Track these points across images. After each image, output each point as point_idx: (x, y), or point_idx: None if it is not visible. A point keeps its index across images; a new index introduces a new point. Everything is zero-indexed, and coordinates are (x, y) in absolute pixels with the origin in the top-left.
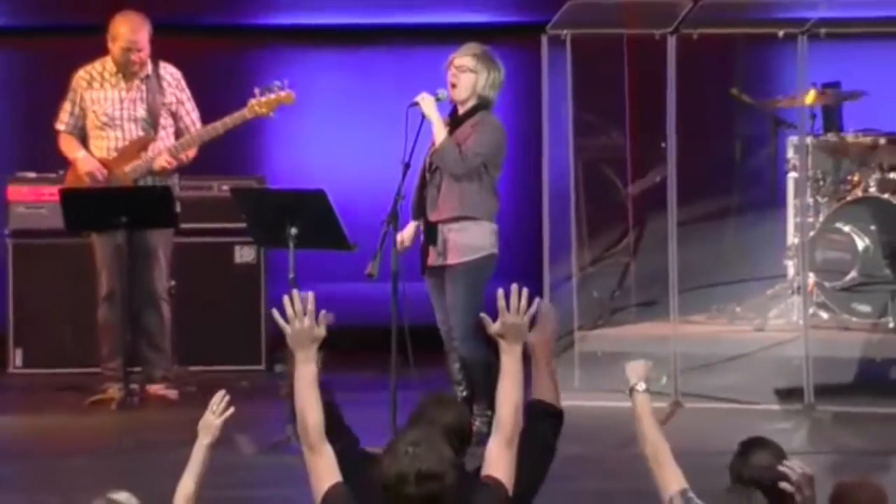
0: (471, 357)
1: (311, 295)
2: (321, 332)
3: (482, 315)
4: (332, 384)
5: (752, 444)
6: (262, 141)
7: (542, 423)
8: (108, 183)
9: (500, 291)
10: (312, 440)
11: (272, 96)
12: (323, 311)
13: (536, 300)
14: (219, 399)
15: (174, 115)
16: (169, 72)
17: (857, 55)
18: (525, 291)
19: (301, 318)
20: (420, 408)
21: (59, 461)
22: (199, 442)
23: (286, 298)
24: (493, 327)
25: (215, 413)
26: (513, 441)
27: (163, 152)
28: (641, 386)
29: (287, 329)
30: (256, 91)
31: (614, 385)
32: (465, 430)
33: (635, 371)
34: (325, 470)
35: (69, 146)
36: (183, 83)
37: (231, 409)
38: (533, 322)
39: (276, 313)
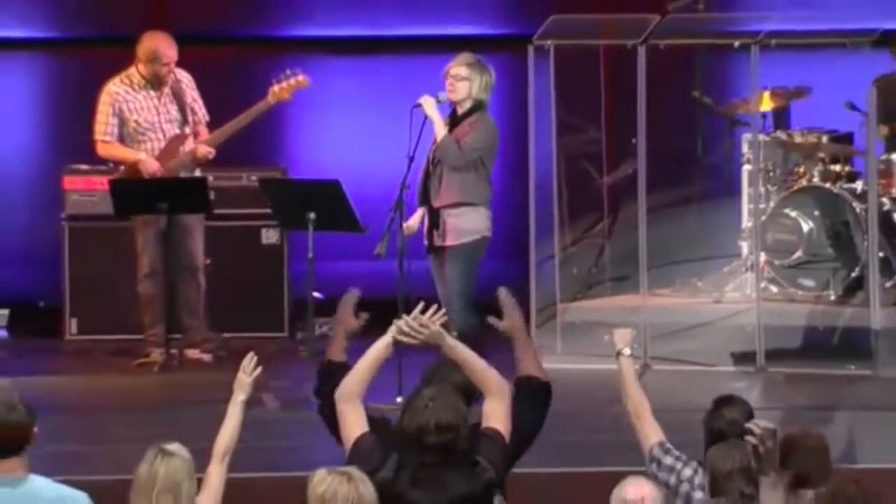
0: (465, 326)
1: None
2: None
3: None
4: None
5: (724, 402)
6: (284, 137)
7: (531, 394)
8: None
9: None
10: (350, 393)
11: (291, 81)
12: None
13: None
14: (248, 360)
15: (192, 112)
16: (184, 76)
17: (802, 63)
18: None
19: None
20: (433, 368)
21: (107, 416)
22: (234, 398)
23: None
24: (418, 342)
25: (246, 372)
26: (502, 396)
27: (202, 144)
28: (627, 351)
29: (405, 324)
30: (273, 81)
31: (592, 350)
32: (470, 387)
33: (622, 337)
34: (356, 421)
35: (124, 151)
36: (194, 84)
37: (259, 369)
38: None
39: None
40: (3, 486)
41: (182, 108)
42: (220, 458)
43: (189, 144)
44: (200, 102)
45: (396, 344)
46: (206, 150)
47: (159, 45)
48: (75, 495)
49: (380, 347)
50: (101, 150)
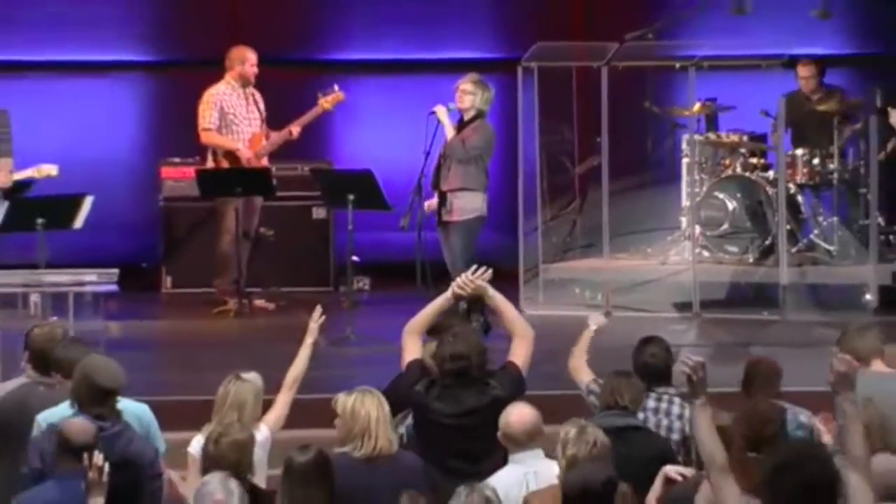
0: None
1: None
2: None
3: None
4: (378, 301)
5: (647, 340)
6: (330, 136)
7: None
8: (249, 163)
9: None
10: (416, 329)
11: (333, 96)
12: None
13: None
14: (317, 312)
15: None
16: (256, 89)
17: (728, 80)
18: (476, 272)
19: (468, 286)
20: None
21: (195, 351)
22: (305, 341)
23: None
24: (468, 293)
25: (314, 321)
26: (526, 337)
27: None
28: (593, 328)
29: (460, 281)
30: (319, 94)
31: (567, 301)
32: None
33: (595, 319)
34: (414, 349)
35: (224, 139)
36: (262, 101)
37: (323, 317)
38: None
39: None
40: None
41: (261, 111)
42: (290, 386)
43: (264, 142)
44: (263, 117)
45: (456, 297)
46: (298, 130)
47: (245, 51)
48: (140, 407)
49: (443, 299)
50: (205, 137)
